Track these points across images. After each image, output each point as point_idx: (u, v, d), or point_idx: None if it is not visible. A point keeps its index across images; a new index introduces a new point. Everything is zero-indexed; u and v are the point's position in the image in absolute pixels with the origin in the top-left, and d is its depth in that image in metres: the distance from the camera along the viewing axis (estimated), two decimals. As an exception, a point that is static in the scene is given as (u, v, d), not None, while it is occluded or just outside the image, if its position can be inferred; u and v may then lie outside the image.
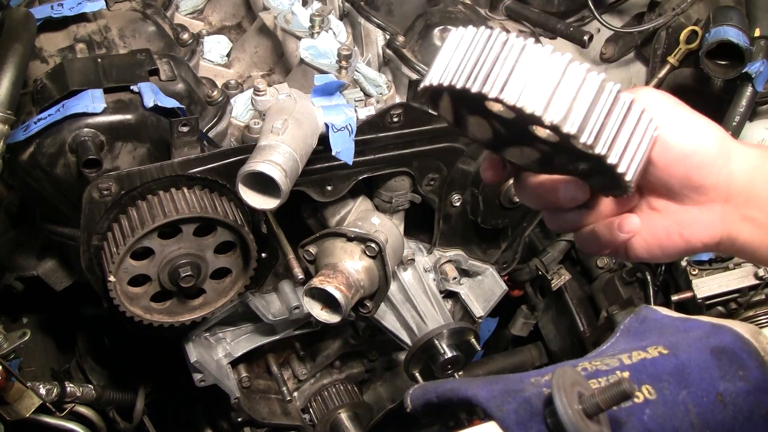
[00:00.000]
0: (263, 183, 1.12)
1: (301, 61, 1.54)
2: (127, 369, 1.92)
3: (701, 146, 0.84)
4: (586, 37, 1.58)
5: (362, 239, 1.37)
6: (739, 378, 0.83)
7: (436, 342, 1.49)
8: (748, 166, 0.86)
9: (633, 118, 0.78)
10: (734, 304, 1.79)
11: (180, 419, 2.01)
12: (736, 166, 0.85)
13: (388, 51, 1.61)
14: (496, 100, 0.74)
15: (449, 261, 1.67)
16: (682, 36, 1.91)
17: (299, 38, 1.57)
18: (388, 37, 1.63)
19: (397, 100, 1.57)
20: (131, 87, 1.30)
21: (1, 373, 1.43)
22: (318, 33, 1.56)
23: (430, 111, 1.42)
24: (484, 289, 1.72)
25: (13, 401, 1.49)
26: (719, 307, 1.81)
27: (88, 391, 1.74)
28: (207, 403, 1.88)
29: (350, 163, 1.32)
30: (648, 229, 0.90)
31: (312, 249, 1.42)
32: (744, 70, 1.70)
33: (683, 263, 1.79)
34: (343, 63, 1.50)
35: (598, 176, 0.84)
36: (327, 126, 1.28)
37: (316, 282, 1.30)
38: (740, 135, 1.76)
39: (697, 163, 0.85)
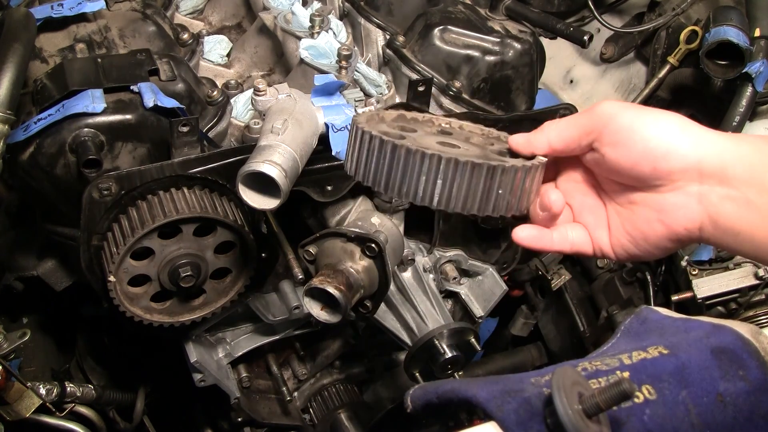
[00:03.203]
0: (263, 183, 1.12)
1: (301, 61, 1.54)
2: (127, 369, 1.92)
3: (662, 136, 0.90)
4: (586, 37, 1.58)
5: (362, 239, 1.37)
6: (740, 378, 0.83)
7: (436, 342, 1.49)
8: (719, 148, 0.89)
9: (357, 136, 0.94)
10: (734, 304, 1.79)
11: (180, 419, 2.01)
12: (705, 149, 0.89)
13: (388, 51, 1.61)
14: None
15: (449, 261, 1.67)
16: (682, 36, 1.91)
17: (299, 38, 1.57)
18: (388, 37, 1.63)
19: (397, 100, 1.57)
20: (131, 87, 1.30)
21: (1, 373, 1.43)
22: (318, 33, 1.56)
23: (429, 111, 1.42)
24: (484, 289, 1.72)
25: (13, 401, 1.49)
26: (719, 307, 1.81)
27: (88, 391, 1.74)
28: (207, 403, 1.88)
29: (350, 163, 1.31)
30: (630, 222, 0.97)
31: (312, 249, 1.42)
32: (744, 70, 1.70)
33: (683, 263, 1.79)
34: (343, 63, 1.50)
35: None
36: (327, 126, 1.28)
37: (316, 282, 1.30)
38: (740, 135, 1.76)
39: (662, 153, 0.90)
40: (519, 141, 1.02)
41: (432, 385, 0.90)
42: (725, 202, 0.88)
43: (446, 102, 1.55)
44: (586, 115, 0.96)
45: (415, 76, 1.54)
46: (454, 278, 1.66)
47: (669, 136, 0.90)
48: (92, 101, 1.24)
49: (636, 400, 0.81)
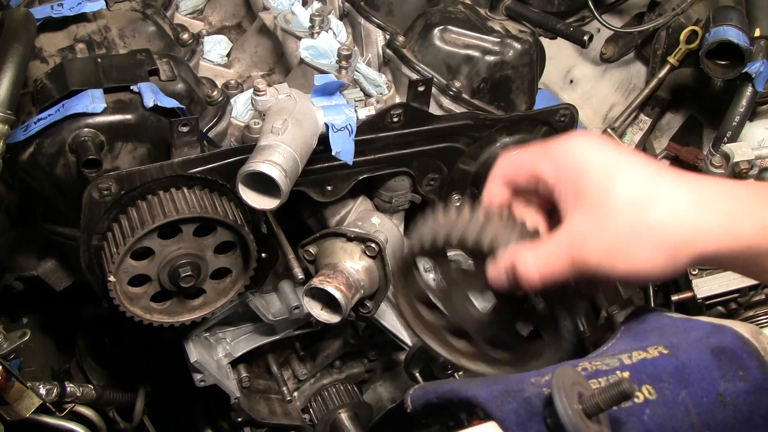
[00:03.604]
0: (263, 183, 1.12)
1: (301, 61, 1.54)
2: (127, 369, 1.92)
3: (651, 268, 0.82)
4: (586, 37, 1.58)
5: (362, 239, 1.37)
6: (740, 378, 0.83)
7: (436, 342, 1.49)
8: (714, 246, 0.82)
9: None
10: (734, 304, 1.79)
11: (180, 419, 2.01)
12: (700, 252, 0.82)
13: (388, 51, 1.61)
14: None
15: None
16: (682, 36, 1.91)
17: (299, 38, 1.57)
18: (388, 37, 1.63)
19: (397, 100, 1.57)
20: (131, 87, 1.30)
21: (1, 373, 1.43)
22: (318, 33, 1.56)
23: (429, 111, 1.42)
24: (484, 289, 1.71)
25: (13, 401, 1.49)
26: (719, 307, 1.81)
27: (88, 391, 1.74)
28: (207, 403, 1.88)
29: (350, 163, 1.32)
30: None
31: (312, 249, 1.42)
32: (744, 70, 1.70)
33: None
34: (343, 63, 1.50)
35: None
36: (327, 126, 1.28)
37: (316, 282, 1.30)
38: (740, 135, 1.76)
39: (651, 278, 0.84)
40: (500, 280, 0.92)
41: (432, 385, 0.90)
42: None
43: (446, 102, 1.55)
44: (567, 253, 0.86)
45: (415, 76, 1.54)
46: (454, 278, 1.66)
47: (660, 263, 0.82)
48: (92, 101, 1.24)
49: (636, 400, 0.81)
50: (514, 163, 0.96)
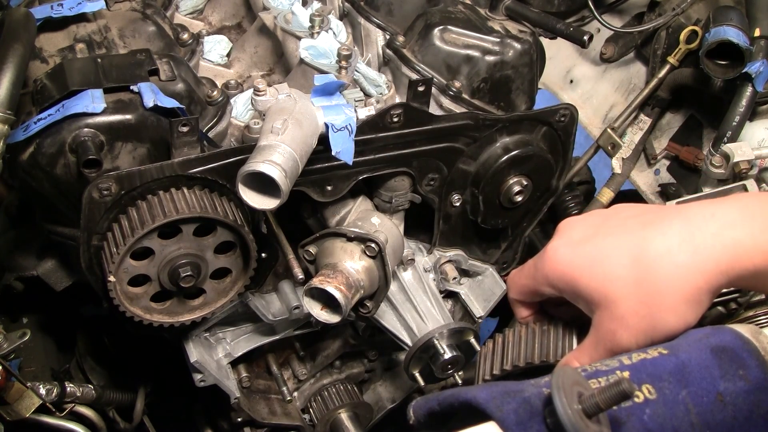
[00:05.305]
0: (263, 183, 1.12)
1: (301, 61, 1.54)
2: (127, 369, 1.92)
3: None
4: (586, 37, 1.58)
5: (362, 239, 1.37)
6: (740, 377, 0.83)
7: (436, 342, 1.49)
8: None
9: None
10: (734, 304, 1.78)
11: (180, 419, 2.01)
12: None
13: (388, 51, 1.61)
14: None
15: (449, 261, 1.67)
16: (682, 36, 1.90)
17: (299, 38, 1.57)
18: (388, 37, 1.63)
19: (397, 100, 1.57)
20: (131, 87, 1.30)
21: (1, 373, 1.43)
22: (318, 33, 1.56)
23: (429, 111, 1.42)
24: (484, 289, 1.72)
25: (13, 401, 1.49)
26: (719, 307, 1.80)
27: (88, 391, 1.74)
28: (207, 403, 1.88)
29: (350, 163, 1.32)
30: None
31: (312, 249, 1.42)
32: (744, 70, 1.70)
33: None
34: (343, 63, 1.50)
35: None
36: (327, 126, 1.28)
37: (316, 282, 1.30)
38: (740, 135, 1.76)
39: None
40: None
41: (433, 394, 0.90)
42: None
43: (446, 102, 1.55)
44: (604, 349, 0.96)
45: (415, 76, 1.54)
46: (454, 278, 1.66)
47: (683, 312, 0.93)
48: (92, 101, 1.24)
49: (636, 399, 0.81)
50: (518, 289, 1.08)
